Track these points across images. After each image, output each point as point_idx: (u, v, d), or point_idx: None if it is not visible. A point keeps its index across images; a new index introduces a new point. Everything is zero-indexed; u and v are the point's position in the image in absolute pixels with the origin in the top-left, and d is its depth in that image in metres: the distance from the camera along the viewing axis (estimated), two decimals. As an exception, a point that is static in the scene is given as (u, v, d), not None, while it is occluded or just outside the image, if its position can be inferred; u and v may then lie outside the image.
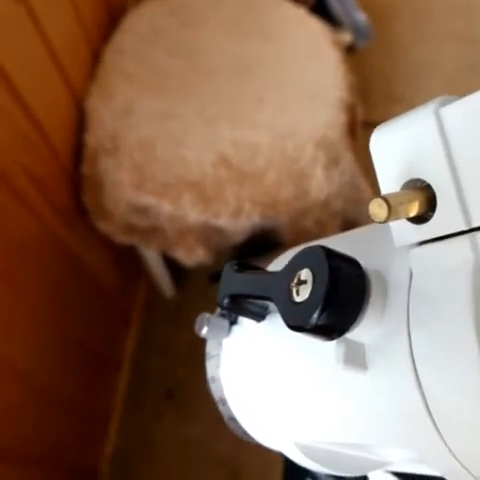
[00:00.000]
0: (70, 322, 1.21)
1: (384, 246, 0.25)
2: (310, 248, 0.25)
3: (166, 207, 1.11)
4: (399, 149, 0.23)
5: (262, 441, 0.35)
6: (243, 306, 0.30)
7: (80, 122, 1.18)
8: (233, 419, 0.35)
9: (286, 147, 1.12)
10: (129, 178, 1.12)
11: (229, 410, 0.35)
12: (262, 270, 0.30)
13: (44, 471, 1.12)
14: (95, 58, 1.25)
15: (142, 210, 1.15)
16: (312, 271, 0.24)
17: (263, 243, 1.20)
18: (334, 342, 0.25)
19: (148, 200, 1.12)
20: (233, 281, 0.29)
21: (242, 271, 0.29)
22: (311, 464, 0.32)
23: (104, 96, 1.19)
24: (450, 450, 0.23)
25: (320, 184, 1.12)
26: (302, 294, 0.24)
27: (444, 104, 0.22)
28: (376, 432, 0.26)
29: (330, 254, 0.24)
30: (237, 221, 1.10)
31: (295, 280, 0.25)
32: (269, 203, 1.11)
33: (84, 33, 1.22)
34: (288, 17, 1.26)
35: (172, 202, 1.10)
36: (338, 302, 0.23)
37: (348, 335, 0.25)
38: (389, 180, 0.24)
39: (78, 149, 1.17)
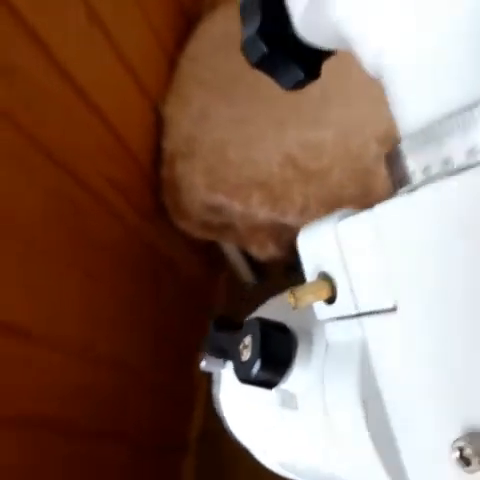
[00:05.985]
0: (156, 312, 1.32)
1: (313, 315, 0.32)
2: (253, 319, 0.32)
3: (237, 207, 1.19)
4: (314, 248, 0.30)
5: (260, 460, 0.43)
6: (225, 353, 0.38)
7: (158, 128, 1.27)
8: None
9: (350, 145, 1.16)
10: (203, 180, 1.21)
11: (228, 428, 0.43)
12: (232, 329, 0.37)
13: (132, 449, 1.24)
14: (171, 65, 1.34)
15: (216, 209, 1.23)
16: (252, 338, 0.31)
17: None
18: (274, 390, 0.32)
19: (220, 200, 1.20)
20: (213, 337, 0.37)
21: (218, 329, 0.37)
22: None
23: (180, 103, 1.28)
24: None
25: (384, 181, 1.15)
26: (245, 355, 0.31)
27: (341, 218, 0.28)
28: (314, 458, 0.33)
29: (263, 324, 0.31)
30: (304, 219, 1.16)
31: (242, 344, 0.32)
32: (334, 201, 1.16)
33: (159, 43, 1.31)
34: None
35: (242, 202, 1.18)
36: (270, 362, 0.31)
37: (282, 386, 0.31)
38: (309, 270, 0.30)
39: (157, 154, 1.26)
